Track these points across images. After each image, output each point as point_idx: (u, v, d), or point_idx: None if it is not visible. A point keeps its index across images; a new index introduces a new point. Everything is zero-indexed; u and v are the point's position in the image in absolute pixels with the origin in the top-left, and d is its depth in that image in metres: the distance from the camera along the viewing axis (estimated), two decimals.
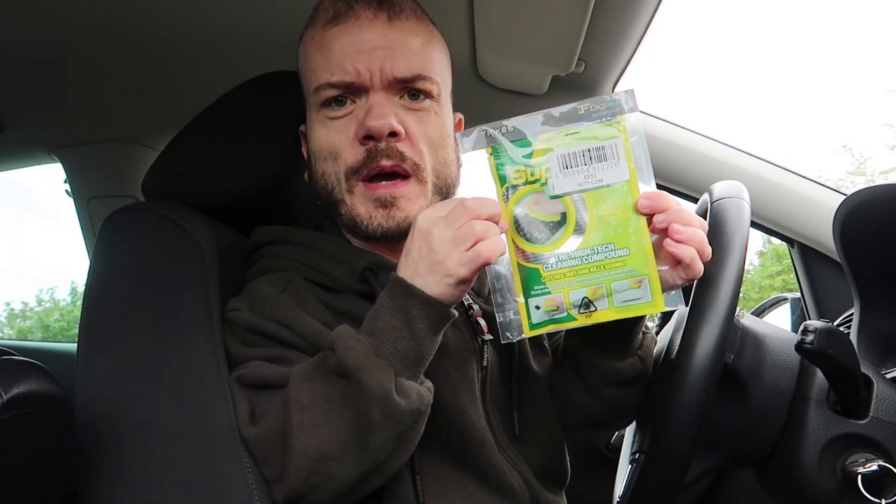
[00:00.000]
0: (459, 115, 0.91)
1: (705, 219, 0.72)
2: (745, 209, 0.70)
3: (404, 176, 0.78)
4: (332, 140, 0.78)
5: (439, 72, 0.82)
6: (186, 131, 0.97)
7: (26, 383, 0.64)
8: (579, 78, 1.24)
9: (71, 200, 1.62)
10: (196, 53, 1.19)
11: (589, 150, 0.65)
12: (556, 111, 0.66)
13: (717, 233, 0.68)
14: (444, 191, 0.82)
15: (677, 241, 0.64)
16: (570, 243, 0.65)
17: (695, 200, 1.32)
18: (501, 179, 0.66)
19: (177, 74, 1.26)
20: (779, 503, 0.78)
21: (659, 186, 1.37)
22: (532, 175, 0.65)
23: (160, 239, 0.86)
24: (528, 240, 0.66)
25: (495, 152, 0.66)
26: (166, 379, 0.77)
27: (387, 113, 0.76)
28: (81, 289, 0.87)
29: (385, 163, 0.76)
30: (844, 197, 0.83)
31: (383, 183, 0.77)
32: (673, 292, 0.67)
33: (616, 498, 0.79)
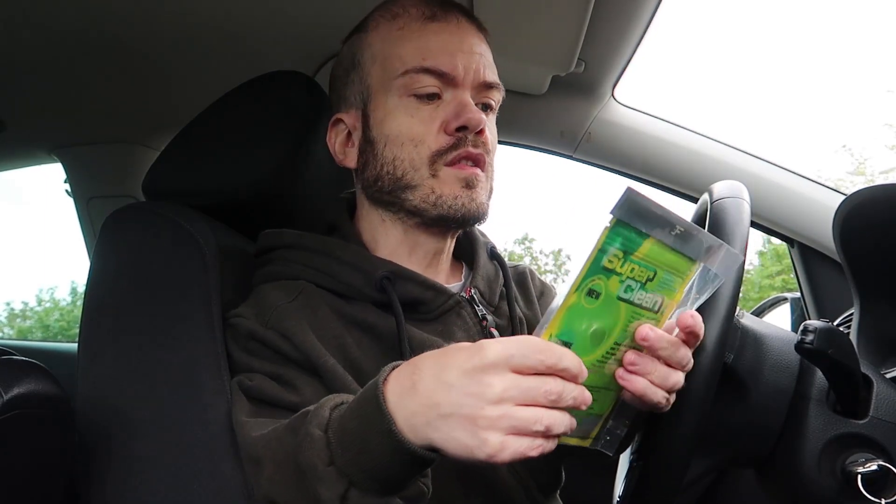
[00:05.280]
0: None
1: (705, 218, 0.72)
2: (745, 209, 0.70)
3: (481, 166, 0.81)
4: (417, 129, 0.79)
5: None
6: (187, 131, 0.97)
7: (26, 383, 0.64)
8: (579, 78, 1.24)
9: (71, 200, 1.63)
10: (196, 53, 1.19)
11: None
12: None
13: (717, 233, 0.68)
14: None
15: (630, 372, 0.57)
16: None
17: (695, 200, 1.32)
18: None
19: (177, 74, 1.26)
20: (778, 503, 0.78)
21: (659, 186, 1.37)
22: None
23: (160, 239, 0.86)
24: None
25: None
26: (166, 379, 0.77)
27: (478, 110, 0.80)
28: (81, 289, 0.88)
29: (472, 150, 0.79)
30: (844, 197, 0.83)
31: (469, 164, 0.80)
32: (609, 437, 0.62)
33: (616, 498, 0.79)
